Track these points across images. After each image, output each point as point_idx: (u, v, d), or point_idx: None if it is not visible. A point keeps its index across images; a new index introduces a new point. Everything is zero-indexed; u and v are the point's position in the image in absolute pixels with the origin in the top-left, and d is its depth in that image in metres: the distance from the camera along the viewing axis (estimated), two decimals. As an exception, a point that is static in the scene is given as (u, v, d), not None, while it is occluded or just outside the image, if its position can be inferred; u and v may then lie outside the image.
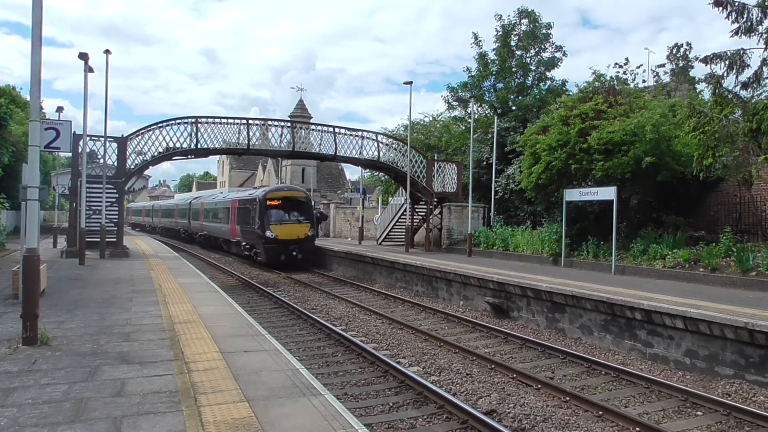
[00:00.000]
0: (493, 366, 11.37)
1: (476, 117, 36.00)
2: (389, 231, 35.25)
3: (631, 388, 10.22)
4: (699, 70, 30.66)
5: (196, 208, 47.09)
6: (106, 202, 24.65)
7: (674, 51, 32.68)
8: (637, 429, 8.09)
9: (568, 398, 9.41)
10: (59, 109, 32.15)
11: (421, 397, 9.42)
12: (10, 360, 7.99)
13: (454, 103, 40.03)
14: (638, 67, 36.14)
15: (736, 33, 15.77)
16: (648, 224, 21.51)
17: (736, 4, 15.72)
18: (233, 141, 28.42)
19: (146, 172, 32.54)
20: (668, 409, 9.15)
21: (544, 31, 36.65)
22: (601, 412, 8.75)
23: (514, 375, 10.75)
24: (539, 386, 10.09)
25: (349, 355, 12.27)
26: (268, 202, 29.73)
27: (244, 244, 32.72)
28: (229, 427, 5.65)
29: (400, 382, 10.19)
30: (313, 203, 34.61)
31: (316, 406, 6.31)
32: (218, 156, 75.73)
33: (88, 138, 24.79)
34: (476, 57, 37.89)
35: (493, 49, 37.23)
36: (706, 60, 16.15)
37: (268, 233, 28.89)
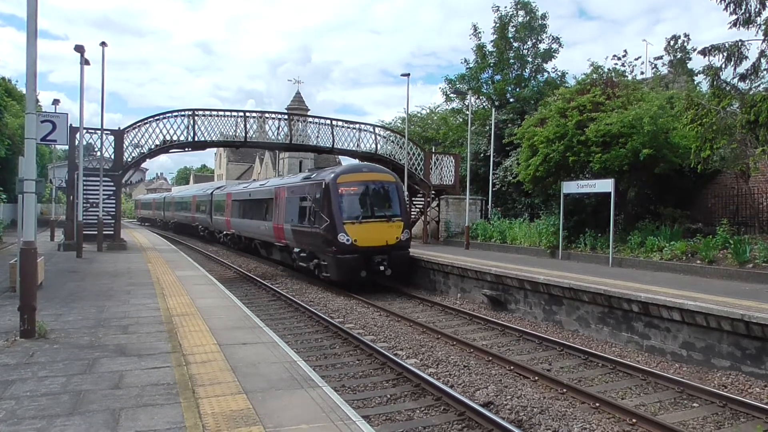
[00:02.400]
0: (490, 358, 11.40)
1: (474, 109, 35.99)
2: (387, 223, 35.11)
3: (628, 380, 10.25)
4: (697, 62, 30.70)
5: (220, 200, 37.49)
6: (103, 195, 24.62)
7: (672, 43, 32.70)
8: (634, 420, 8.12)
9: (564, 390, 9.44)
10: (56, 102, 32.16)
11: (418, 389, 9.44)
12: (8, 353, 8.00)
13: (451, 95, 40.04)
14: (636, 59, 36.21)
15: (735, 24, 15.73)
16: (645, 216, 21.53)
17: (735, -5, 15.68)
18: (230, 134, 28.43)
19: (143, 165, 32.57)
20: (664, 401, 9.19)
21: (540, 22, 36.64)
22: (597, 404, 8.78)
23: (512, 367, 10.78)
24: (536, 378, 10.12)
25: (347, 348, 12.29)
26: (341, 190, 20.05)
27: (298, 251, 22.61)
28: (227, 419, 5.67)
29: (398, 374, 10.21)
30: (404, 190, 23.85)
31: (314, 398, 6.32)
32: (215, 148, 75.55)
33: (84, 131, 24.72)
34: (474, 49, 37.88)
35: (491, 41, 37.23)
36: (704, 52, 16.12)
37: (341, 237, 19.22)
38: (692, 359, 11.23)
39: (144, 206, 79.07)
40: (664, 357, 11.73)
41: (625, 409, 8.48)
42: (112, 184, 25.85)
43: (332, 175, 20.53)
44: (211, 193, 40.51)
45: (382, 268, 19.55)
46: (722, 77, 16.54)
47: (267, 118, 30.11)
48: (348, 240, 19.26)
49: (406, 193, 26.67)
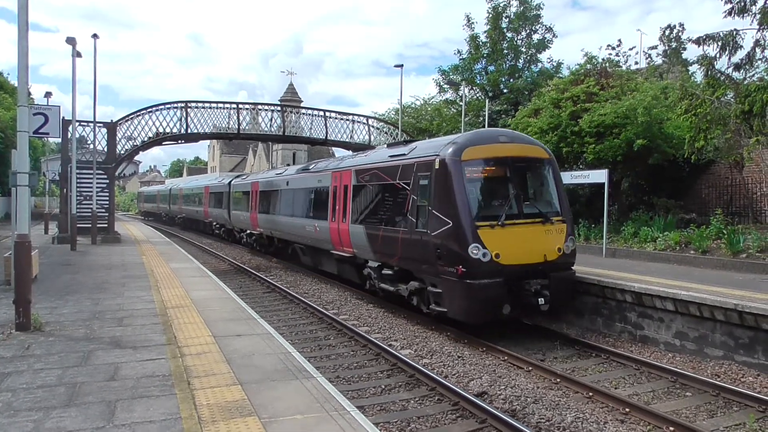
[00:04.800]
0: (484, 349, 11.44)
1: (467, 100, 35.95)
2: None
3: (622, 370, 10.31)
4: (692, 52, 30.66)
5: (241, 191, 30.29)
6: (97, 187, 24.56)
7: (667, 32, 32.64)
8: (627, 410, 8.18)
9: (558, 380, 9.49)
10: (48, 95, 31.99)
11: (413, 379, 9.48)
12: (3, 345, 8.00)
13: (445, 86, 39.95)
14: (630, 49, 36.20)
15: (729, 13, 15.74)
16: (639, 207, 21.61)
17: (730, -16, 15.68)
18: (223, 125, 28.42)
19: (136, 158, 32.47)
20: (658, 390, 9.25)
21: (534, 12, 36.57)
22: (591, 394, 8.83)
23: (506, 357, 10.82)
24: (530, 368, 10.17)
25: (342, 339, 12.32)
26: (469, 171, 12.33)
27: (376, 266, 15.17)
28: (223, 409, 5.69)
29: (393, 365, 10.25)
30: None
31: (308, 389, 6.35)
32: (208, 141, 75.26)
33: (77, 123, 24.63)
34: (467, 39, 37.77)
35: (484, 32, 37.12)
36: (698, 41, 16.13)
37: (473, 250, 11.57)
38: (685, 349, 11.29)
39: (147, 199, 72.69)
40: (657, 347, 11.78)
41: (619, 398, 8.54)
42: (105, 176, 25.79)
43: (452, 147, 12.42)
44: (229, 183, 33.37)
45: (541, 300, 11.71)
46: (717, 67, 16.57)
47: (260, 109, 30.10)
48: (485, 255, 11.53)
49: None
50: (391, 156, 15.13)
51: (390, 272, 14.53)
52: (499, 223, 11.89)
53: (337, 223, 17.37)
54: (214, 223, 38.03)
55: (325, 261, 19.81)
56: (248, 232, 29.44)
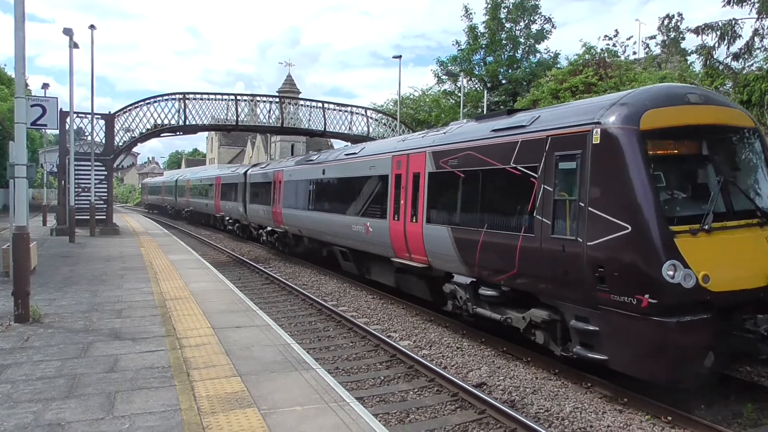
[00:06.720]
0: (483, 339, 11.45)
1: (466, 91, 35.92)
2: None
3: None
4: (690, 42, 30.59)
5: (260, 182, 26.50)
6: (95, 179, 24.55)
7: (665, 22, 32.63)
8: (625, 399, 8.21)
9: (557, 371, 9.51)
10: (45, 86, 31.92)
11: (412, 370, 9.50)
12: (2, 337, 8.01)
13: (443, 77, 39.94)
14: (628, 39, 36.22)
15: (728, 2, 15.70)
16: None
17: (728, -27, 15.64)
18: (222, 117, 28.39)
19: (134, 149, 32.47)
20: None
21: (533, 2, 36.50)
22: (589, 384, 8.85)
23: (504, 348, 10.84)
24: (529, 359, 10.18)
25: (341, 330, 12.32)
26: (652, 147, 7.91)
27: (468, 283, 11.07)
28: (222, 401, 5.71)
29: (392, 356, 10.26)
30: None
31: (308, 380, 6.37)
32: (207, 132, 74.97)
33: (75, 115, 24.59)
34: (466, 30, 37.73)
35: (483, 22, 37.08)
36: (697, 31, 16.10)
37: (669, 271, 7.22)
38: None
39: (152, 191, 67.74)
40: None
41: (617, 388, 8.56)
42: (103, 168, 25.78)
43: (620, 111, 8.15)
44: (245, 172, 29.29)
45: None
46: (715, 56, 16.54)
47: (258, 101, 30.06)
48: (687, 277, 7.36)
49: None
50: (495, 130, 10.64)
51: (493, 293, 10.43)
52: (704, 227, 7.68)
53: (403, 222, 13.52)
54: (227, 218, 33.72)
55: (377, 270, 15.96)
56: (269, 229, 25.54)
